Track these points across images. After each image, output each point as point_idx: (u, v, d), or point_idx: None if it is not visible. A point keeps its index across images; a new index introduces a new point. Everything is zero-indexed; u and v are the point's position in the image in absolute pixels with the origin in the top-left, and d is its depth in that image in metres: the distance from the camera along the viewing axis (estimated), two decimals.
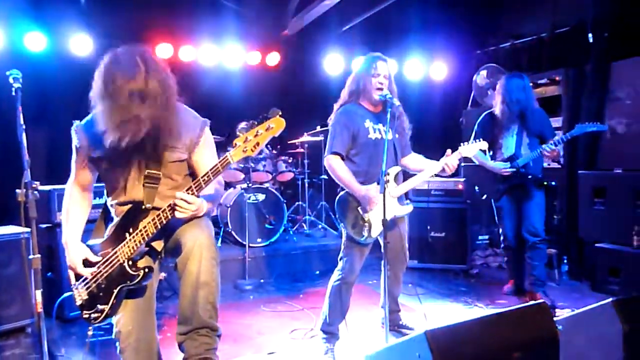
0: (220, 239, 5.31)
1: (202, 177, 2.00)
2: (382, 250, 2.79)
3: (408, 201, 3.27)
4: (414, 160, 3.31)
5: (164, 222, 2.04)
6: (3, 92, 2.23)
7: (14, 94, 2.20)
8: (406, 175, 3.23)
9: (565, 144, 4.09)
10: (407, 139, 3.33)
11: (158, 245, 2.22)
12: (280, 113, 1.86)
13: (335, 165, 3.05)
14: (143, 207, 2.14)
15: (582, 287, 4.65)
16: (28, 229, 3.73)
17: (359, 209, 3.00)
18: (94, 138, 2.14)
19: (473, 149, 3.18)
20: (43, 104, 5.04)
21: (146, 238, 2.07)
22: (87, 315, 2.20)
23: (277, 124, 1.88)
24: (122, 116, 1.96)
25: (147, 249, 2.17)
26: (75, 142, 2.21)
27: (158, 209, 2.08)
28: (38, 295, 2.06)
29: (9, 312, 3.48)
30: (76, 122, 2.24)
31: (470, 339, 1.98)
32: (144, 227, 2.07)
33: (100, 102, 2.01)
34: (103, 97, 1.98)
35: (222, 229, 5.39)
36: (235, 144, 1.92)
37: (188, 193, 2.00)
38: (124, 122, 1.96)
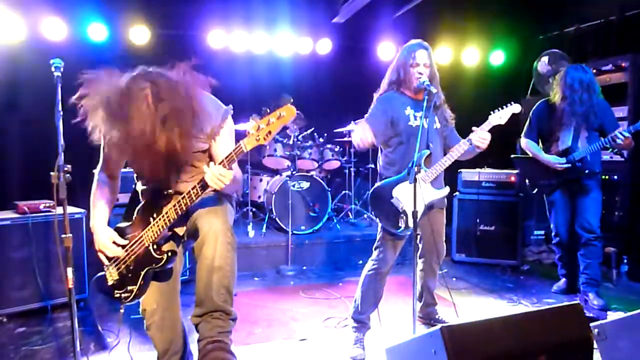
0: (265, 225, 5.41)
1: (226, 157, 2.00)
2: (413, 242, 2.73)
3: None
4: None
5: (184, 208, 2.08)
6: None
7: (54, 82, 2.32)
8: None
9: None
10: (451, 129, 3.24)
11: (180, 230, 2.29)
12: (291, 100, 1.85)
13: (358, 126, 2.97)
14: (165, 192, 2.20)
15: None
16: (82, 210, 4.00)
17: (392, 201, 2.95)
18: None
19: (505, 114, 2.97)
20: None
21: (168, 223, 2.13)
22: (118, 295, 2.30)
23: (288, 112, 1.87)
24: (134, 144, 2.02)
25: (169, 233, 2.24)
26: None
27: (180, 194, 2.13)
28: (69, 272, 2.19)
29: (64, 286, 3.72)
30: None
31: (491, 338, 1.89)
32: (166, 212, 2.13)
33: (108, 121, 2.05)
34: (112, 120, 2.03)
35: (267, 215, 5.47)
36: (249, 132, 1.93)
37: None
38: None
